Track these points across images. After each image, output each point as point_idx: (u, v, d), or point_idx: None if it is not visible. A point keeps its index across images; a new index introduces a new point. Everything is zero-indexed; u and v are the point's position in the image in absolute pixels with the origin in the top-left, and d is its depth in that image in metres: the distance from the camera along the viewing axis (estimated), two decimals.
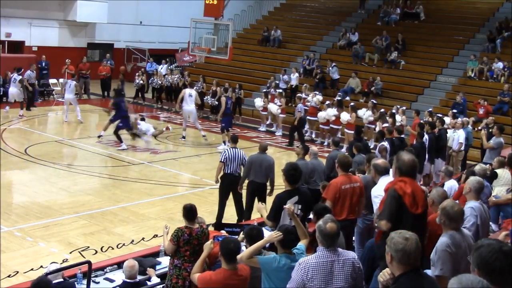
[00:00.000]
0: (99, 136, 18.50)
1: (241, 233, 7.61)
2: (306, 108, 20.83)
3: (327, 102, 20.90)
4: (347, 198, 7.93)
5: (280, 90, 22.73)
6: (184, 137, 19.38)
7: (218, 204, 11.43)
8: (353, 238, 8.36)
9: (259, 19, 33.66)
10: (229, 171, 11.32)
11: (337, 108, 19.85)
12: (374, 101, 20.40)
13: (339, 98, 21.00)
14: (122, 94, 19.50)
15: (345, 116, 19.35)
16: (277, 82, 24.64)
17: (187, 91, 19.53)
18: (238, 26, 32.05)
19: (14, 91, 21.45)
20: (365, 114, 19.66)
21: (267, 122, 22.53)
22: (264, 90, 23.41)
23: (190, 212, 7.10)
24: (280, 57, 28.69)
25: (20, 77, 21.79)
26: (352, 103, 20.54)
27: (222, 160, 11.30)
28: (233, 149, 11.44)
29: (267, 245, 6.35)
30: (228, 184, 11.41)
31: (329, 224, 5.13)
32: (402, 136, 14.50)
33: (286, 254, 5.80)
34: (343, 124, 19.63)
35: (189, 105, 19.14)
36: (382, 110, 19.23)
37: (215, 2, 27.14)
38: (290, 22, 31.87)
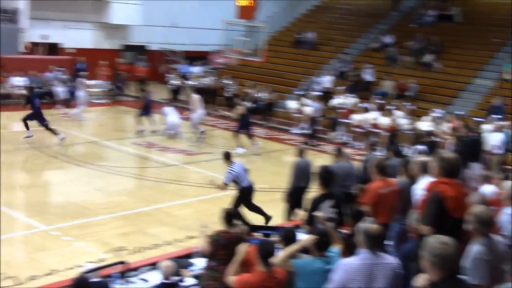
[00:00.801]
0: (139, 132, 19.35)
1: (274, 235, 7.61)
2: (339, 111, 20.78)
3: (364, 104, 20.78)
4: (384, 202, 7.86)
5: (314, 93, 22.67)
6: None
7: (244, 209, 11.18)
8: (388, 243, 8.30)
9: (292, 21, 33.63)
10: (246, 185, 11.06)
11: (377, 112, 19.78)
12: (408, 104, 20.23)
13: (380, 101, 20.91)
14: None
15: (383, 120, 19.25)
16: (311, 84, 24.60)
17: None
18: (271, 28, 32.06)
19: (59, 90, 21.90)
20: (399, 117, 19.52)
21: (301, 125, 22.48)
22: (298, 92, 23.36)
23: (228, 216, 7.13)
24: (313, 59, 28.62)
25: (62, 77, 22.21)
26: (389, 106, 20.41)
27: (226, 182, 10.94)
28: (234, 164, 11.09)
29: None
30: (249, 194, 11.23)
31: (373, 226, 5.11)
32: (437, 139, 14.36)
33: (321, 257, 5.79)
34: (380, 127, 19.51)
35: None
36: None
37: (249, 4, 27.20)
38: (324, 24, 31.77)
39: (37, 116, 17.10)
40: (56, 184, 14.36)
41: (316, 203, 7.27)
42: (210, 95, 25.84)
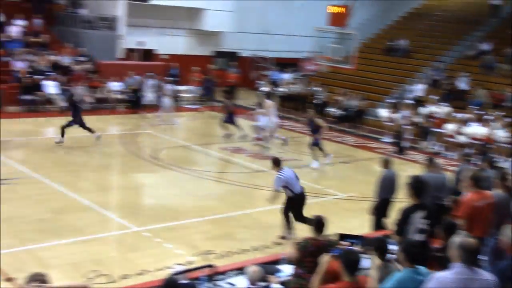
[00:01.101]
0: (225, 136, 19.82)
1: (358, 245, 7.51)
2: (431, 120, 20.28)
3: (459, 114, 20.20)
4: (479, 216, 7.59)
5: (406, 101, 22.24)
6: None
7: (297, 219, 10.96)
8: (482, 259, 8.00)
9: (384, 28, 33.17)
10: (298, 191, 10.80)
11: (473, 122, 19.20)
12: (502, 114, 19.51)
13: (477, 111, 20.30)
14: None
15: (479, 130, 18.64)
16: (403, 92, 24.16)
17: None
18: (363, 35, 31.72)
19: (149, 96, 22.49)
20: (496, 128, 18.84)
21: (392, 134, 22.08)
22: (390, 101, 22.98)
23: (318, 223, 7.09)
24: (405, 67, 28.08)
25: (155, 82, 22.80)
26: (486, 116, 19.76)
27: (276, 188, 10.66)
28: (283, 170, 10.80)
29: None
30: (301, 202, 10.95)
31: (470, 240, 4.95)
32: None
33: (411, 268, 5.65)
34: (476, 138, 18.89)
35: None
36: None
37: (340, 11, 27.05)
38: (417, 31, 31.10)
39: (78, 122, 17.41)
40: (148, 187, 14.77)
41: (407, 214, 7.09)
42: (299, 102, 25.89)
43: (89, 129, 17.56)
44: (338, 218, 11.47)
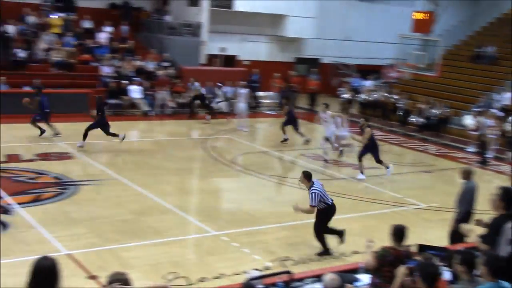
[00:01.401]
0: (284, 141, 19.73)
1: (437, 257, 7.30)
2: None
3: None
4: None
5: (493, 110, 21.50)
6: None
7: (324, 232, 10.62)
8: None
9: (470, 35, 32.22)
10: (330, 202, 10.38)
11: None
12: None
13: None
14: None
15: None
16: (490, 101, 23.37)
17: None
18: (448, 41, 30.91)
19: (241, 105, 22.55)
20: None
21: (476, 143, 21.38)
22: (475, 109, 22.27)
23: (398, 232, 6.94)
24: (492, 74, 27.15)
25: (245, 91, 22.91)
26: None
27: (314, 204, 10.15)
28: (315, 184, 10.32)
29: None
30: (333, 213, 10.57)
31: None
32: None
33: (494, 282, 5.42)
34: None
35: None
36: None
37: (425, 18, 26.50)
38: (505, 38, 29.99)
39: (102, 125, 17.27)
40: (227, 191, 14.90)
41: (497, 224, 6.83)
42: (381, 110, 25.53)
43: (113, 134, 17.34)
44: (419, 228, 11.20)
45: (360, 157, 16.19)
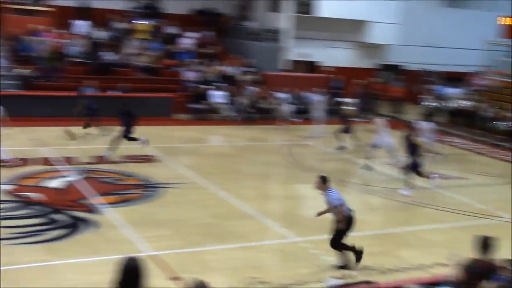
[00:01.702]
0: (339, 148, 19.55)
1: None
2: None
3: None
4: None
5: None
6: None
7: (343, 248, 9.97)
8: None
9: None
10: (348, 214, 9.73)
11: None
12: None
13: None
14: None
15: None
16: None
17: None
18: None
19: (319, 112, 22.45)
20: None
21: None
22: None
23: (486, 244, 6.72)
24: None
25: (323, 97, 22.79)
26: None
27: (336, 204, 9.59)
28: (332, 189, 9.74)
29: None
30: (351, 225, 9.87)
31: None
32: None
33: None
34: None
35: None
36: None
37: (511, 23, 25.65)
38: None
39: (126, 131, 16.52)
40: (307, 198, 14.80)
41: None
42: (468, 118, 24.84)
43: (134, 139, 16.72)
44: (507, 242, 10.75)
45: (412, 169, 14.92)
